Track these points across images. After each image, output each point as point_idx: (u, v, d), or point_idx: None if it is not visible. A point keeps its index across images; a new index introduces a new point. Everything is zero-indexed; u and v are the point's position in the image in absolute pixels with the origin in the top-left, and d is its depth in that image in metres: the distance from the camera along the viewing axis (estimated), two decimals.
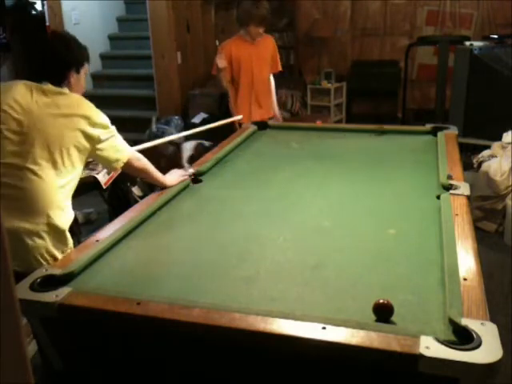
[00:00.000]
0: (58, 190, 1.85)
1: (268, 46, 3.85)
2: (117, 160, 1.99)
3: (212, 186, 2.30)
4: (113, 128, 2.00)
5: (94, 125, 1.90)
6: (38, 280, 1.45)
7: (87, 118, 1.89)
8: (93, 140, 1.91)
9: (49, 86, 1.90)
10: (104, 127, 1.94)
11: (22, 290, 1.39)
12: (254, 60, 3.74)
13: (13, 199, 1.79)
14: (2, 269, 0.53)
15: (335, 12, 6.62)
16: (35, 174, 1.80)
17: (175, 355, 1.38)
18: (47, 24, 5.35)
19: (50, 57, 1.95)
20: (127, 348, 1.43)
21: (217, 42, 3.83)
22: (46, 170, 1.82)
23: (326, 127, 3.60)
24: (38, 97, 1.86)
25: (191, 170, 2.38)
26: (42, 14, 5.58)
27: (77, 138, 1.87)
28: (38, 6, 5.78)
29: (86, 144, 1.90)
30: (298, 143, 2.95)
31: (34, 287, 1.42)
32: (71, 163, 1.88)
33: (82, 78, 2.03)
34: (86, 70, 2.06)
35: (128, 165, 2.03)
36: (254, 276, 1.52)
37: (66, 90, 1.94)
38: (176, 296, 1.39)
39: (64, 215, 1.89)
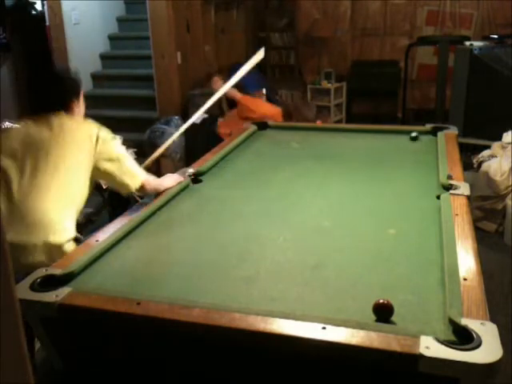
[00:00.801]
0: (60, 210, 1.89)
1: None
2: (128, 185, 2.04)
3: (212, 186, 2.30)
4: (123, 150, 2.09)
5: (96, 140, 1.97)
6: (38, 280, 1.45)
7: (92, 136, 1.97)
8: (97, 155, 1.96)
9: (51, 117, 1.98)
10: (108, 143, 2.02)
11: (22, 290, 1.39)
12: None
13: (12, 213, 1.81)
14: (2, 269, 0.53)
15: (335, 12, 6.62)
16: (39, 193, 1.84)
17: (175, 355, 1.38)
18: (47, 24, 5.35)
19: (52, 100, 2.05)
20: (127, 348, 1.43)
21: (206, 48, 3.90)
22: (50, 190, 1.86)
23: (326, 127, 3.60)
24: (42, 127, 1.95)
25: (191, 170, 2.38)
26: (41, 13, 5.58)
27: (81, 157, 1.94)
28: (38, 6, 5.78)
29: (87, 160, 1.95)
30: (298, 143, 2.95)
31: (34, 287, 1.42)
32: (78, 183, 1.94)
33: (81, 101, 2.14)
34: (83, 92, 2.17)
35: (141, 189, 2.10)
36: (254, 276, 1.52)
37: (68, 116, 2.03)
38: (176, 296, 1.39)
39: (63, 234, 1.89)
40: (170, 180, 2.24)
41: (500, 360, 1.07)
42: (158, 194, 2.17)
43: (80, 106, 2.13)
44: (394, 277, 1.48)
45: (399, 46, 6.40)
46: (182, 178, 2.28)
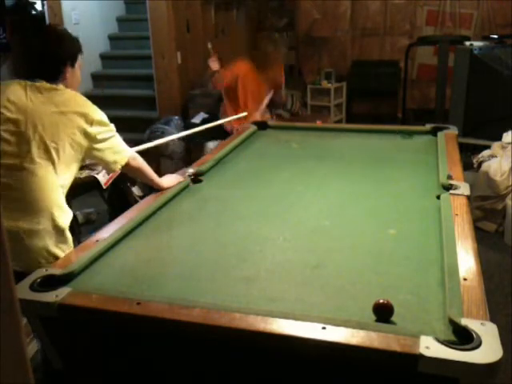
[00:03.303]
0: (57, 188, 1.85)
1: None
2: (115, 162, 1.98)
3: (212, 186, 2.30)
4: (112, 126, 1.98)
5: (91, 122, 1.88)
6: (38, 280, 1.45)
7: (84, 115, 1.87)
8: (90, 138, 1.89)
9: (43, 84, 1.87)
10: (102, 124, 1.93)
11: (22, 290, 1.39)
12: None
13: (13, 200, 1.78)
14: (2, 269, 0.53)
15: (335, 12, 6.63)
16: (34, 173, 1.80)
17: (175, 355, 1.38)
18: (47, 24, 5.35)
19: (44, 54, 1.91)
20: (127, 348, 1.43)
21: (209, 45, 3.87)
22: (44, 169, 1.81)
23: (326, 127, 3.60)
24: (32, 95, 1.84)
25: (191, 170, 2.38)
26: (41, 13, 5.58)
27: (73, 136, 1.85)
28: (38, 6, 5.78)
29: (82, 142, 1.88)
30: (298, 143, 2.95)
31: (33, 287, 1.42)
32: (68, 162, 1.87)
33: (77, 71, 2.00)
34: (81, 62, 2.02)
35: (126, 165, 2.02)
36: (253, 276, 1.52)
37: (60, 86, 1.91)
38: (176, 296, 1.39)
39: (64, 214, 1.89)
40: (169, 180, 2.23)
41: (500, 360, 1.07)
42: (153, 190, 2.16)
43: (75, 74, 1.97)
44: (394, 277, 1.48)
45: (399, 46, 6.40)
46: (181, 178, 2.28)
